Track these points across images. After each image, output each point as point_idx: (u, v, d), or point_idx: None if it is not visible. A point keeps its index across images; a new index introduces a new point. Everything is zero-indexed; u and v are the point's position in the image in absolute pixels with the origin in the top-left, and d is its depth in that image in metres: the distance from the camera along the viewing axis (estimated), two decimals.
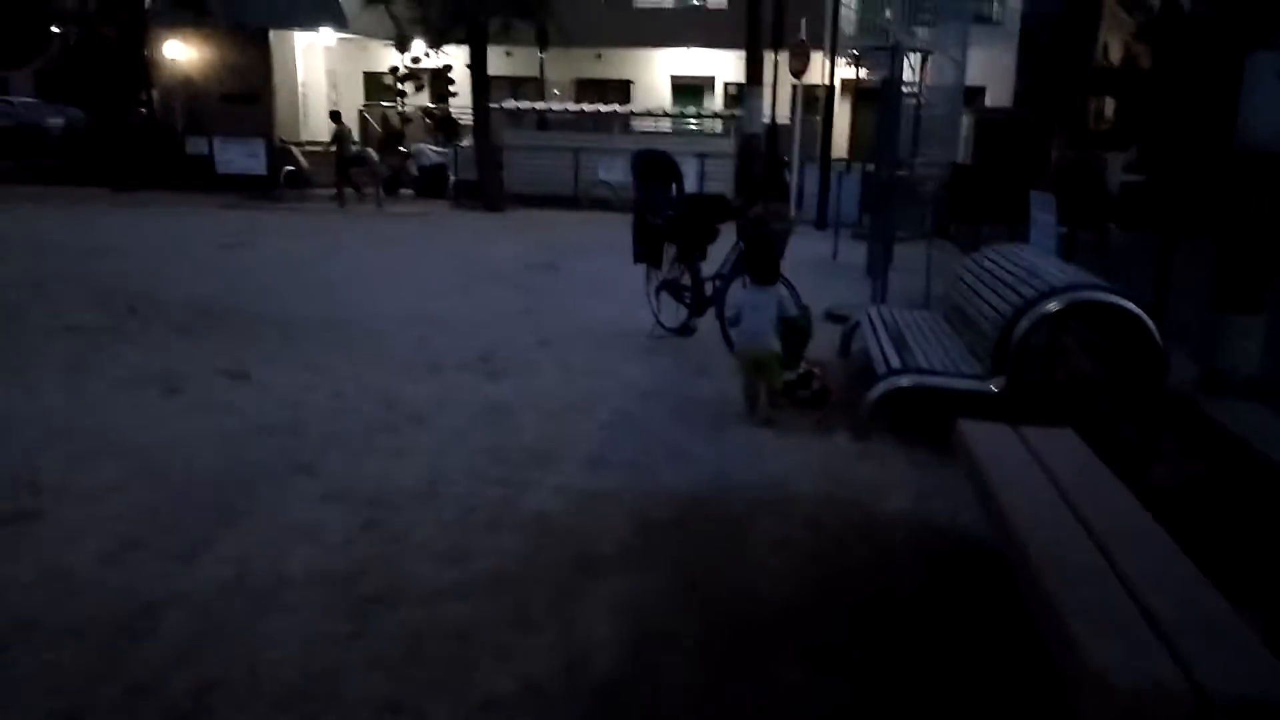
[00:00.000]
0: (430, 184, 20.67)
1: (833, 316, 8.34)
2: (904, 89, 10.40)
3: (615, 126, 21.14)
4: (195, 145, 19.04)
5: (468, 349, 6.93)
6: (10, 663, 2.83)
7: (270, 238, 12.71)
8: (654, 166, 7.49)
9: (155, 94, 23.17)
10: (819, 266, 11.14)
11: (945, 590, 3.59)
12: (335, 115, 20.16)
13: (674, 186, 7.52)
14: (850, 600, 3.48)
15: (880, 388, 5.04)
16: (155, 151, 19.64)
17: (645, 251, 7.36)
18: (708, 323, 7.00)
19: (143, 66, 22.87)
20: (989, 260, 6.14)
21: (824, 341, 7.20)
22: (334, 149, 19.16)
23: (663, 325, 7.52)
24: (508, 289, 9.53)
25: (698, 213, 6.91)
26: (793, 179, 17.23)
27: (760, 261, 5.97)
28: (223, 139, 18.83)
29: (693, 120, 24.04)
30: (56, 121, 29.14)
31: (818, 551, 3.84)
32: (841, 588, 3.56)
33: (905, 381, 5.03)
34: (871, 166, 18.77)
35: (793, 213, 16.09)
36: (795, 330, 5.93)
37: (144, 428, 4.98)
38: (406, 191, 22.09)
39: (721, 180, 19.08)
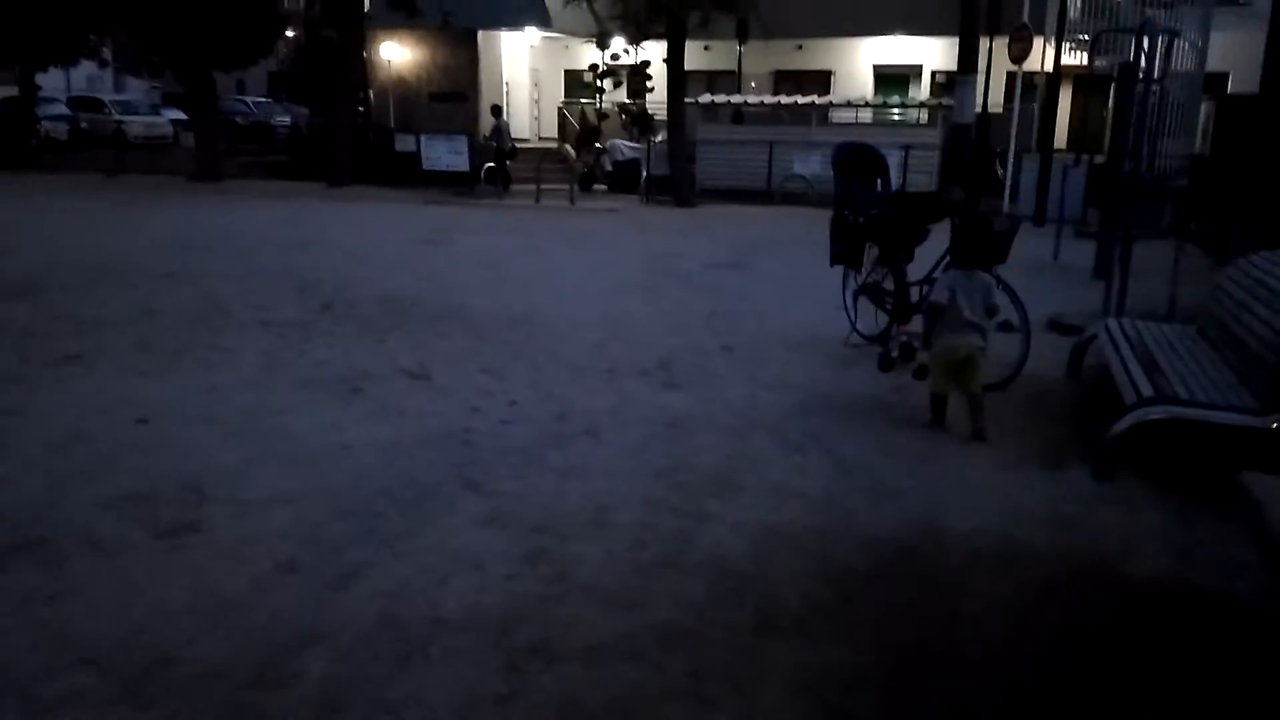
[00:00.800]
0: (624, 179, 20.64)
1: (1059, 326, 7.40)
2: (1142, 74, 9.24)
3: (812, 118, 20.35)
4: (404, 143, 19.76)
5: (647, 355, 6.55)
6: (141, 707, 2.64)
7: (465, 234, 12.87)
8: (858, 160, 6.85)
9: (371, 94, 24.39)
10: (1038, 268, 10.08)
11: (1233, 691, 2.84)
12: (496, 110, 20.48)
13: (879, 182, 6.85)
14: (1107, 697, 2.80)
15: (1129, 420, 4.24)
16: (367, 149, 20.56)
17: (844, 252, 6.73)
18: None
19: (360, 67, 24.12)
20: (1258, 268, 5.14)
21: (1048, 357, 6.36)
22: (493, 143, 19.48)
23: (860, 334, 6.87)
24: (693, 290, 9.11)
25: (907, 210, 6.22)
26: (1008, 172, 15.92)
27: (970, 247, 5.24)
28: (429, 137, 19.44)
29: (896, 110, 22.82)
30: (284, 120, 31.34)
31: (1058, 626, 3.17)
32: (1096, 679, 2.89)
33: (1160, 413, 4.20)
34: (1098, 159, 17.17)
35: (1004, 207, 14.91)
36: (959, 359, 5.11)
37: (319, 432, 4.87)
38: (600, 187, 22.22)
39: (926, 172, 17.99)
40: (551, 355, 6.53)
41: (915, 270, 6.35)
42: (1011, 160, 15.90)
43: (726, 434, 4.96)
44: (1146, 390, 4.30)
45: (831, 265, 6.89)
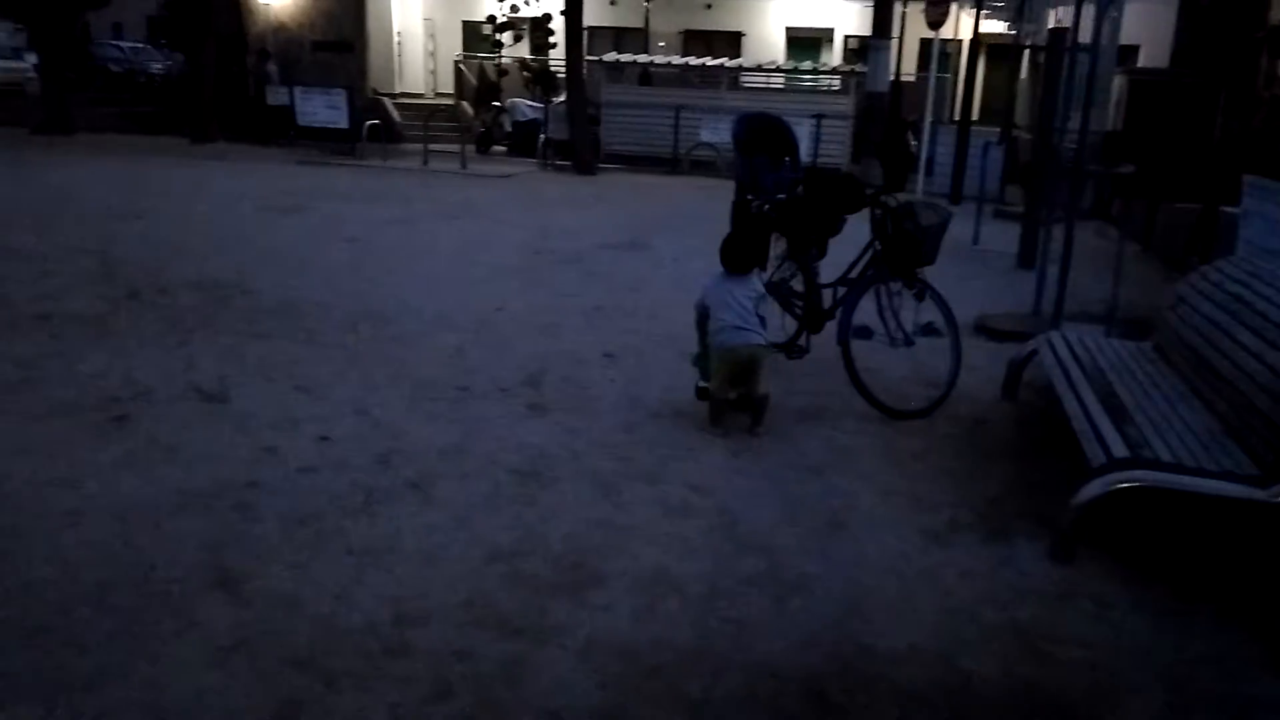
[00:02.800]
0: (524, 141, 19.31)
1: (988, 330, 6.53)
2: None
3: (722, 82, 19.28)
4: (276, 95, 18.00)
5: (514, 364, 5.43)
6: None
7: (331, 201, 11.45)
8: (762, 134, 5.80)
9: (249, 41, 22.36)
10: (958, 254, 9.23)
11: None
12: (264, 54, 18.45)
13: (787, 161, 5.82)
14: None
15: (1098, 487, 3.31)
16: (244, 102, 18.70)
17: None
18: (824, 343, 5.30)
19: (231, 9, 22.02)
20: (1232, 280, 4.29)
21: (980, 369, 5.46)
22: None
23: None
24: (580, 276, 7.98)
25: (820, 196, 5.18)
26: (921, 145, 15.14)
27: (901, 249, 4.75)
28: (304, 89, 17.70)
29: (808, 77, 21.91)
30: (158, 68, 28.78)
31: None
32: None
33: (1138, 480, 3.29)
34: (1017, 133, 16.54)
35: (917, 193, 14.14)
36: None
37: (43, 490, 3.63)
38: (499, 148, 20.86)
39: (838, 142, 17.13)
40: (394, 365, 5.35)
41: (829, 269, 5.36)
42: (927, 132, 15.13)
43: (594, 486, 3.89)
44: (1118, 448, 3.37)
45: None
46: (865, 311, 5.03)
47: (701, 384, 4.70)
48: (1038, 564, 3.40)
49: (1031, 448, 4.57)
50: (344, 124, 17.29)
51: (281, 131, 17.62)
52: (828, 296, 5.32)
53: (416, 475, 3.91)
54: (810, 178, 5.29)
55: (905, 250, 4.87)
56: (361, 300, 6.74)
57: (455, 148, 16.25)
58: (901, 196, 4.95)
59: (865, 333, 5.15)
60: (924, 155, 14.91)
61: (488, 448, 4.22)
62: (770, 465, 4.19)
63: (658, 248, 9.44)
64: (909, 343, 4.98)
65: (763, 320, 4.65)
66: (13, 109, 20.80)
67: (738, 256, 4.71)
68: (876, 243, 4.97)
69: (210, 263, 7.68)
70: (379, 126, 17.35)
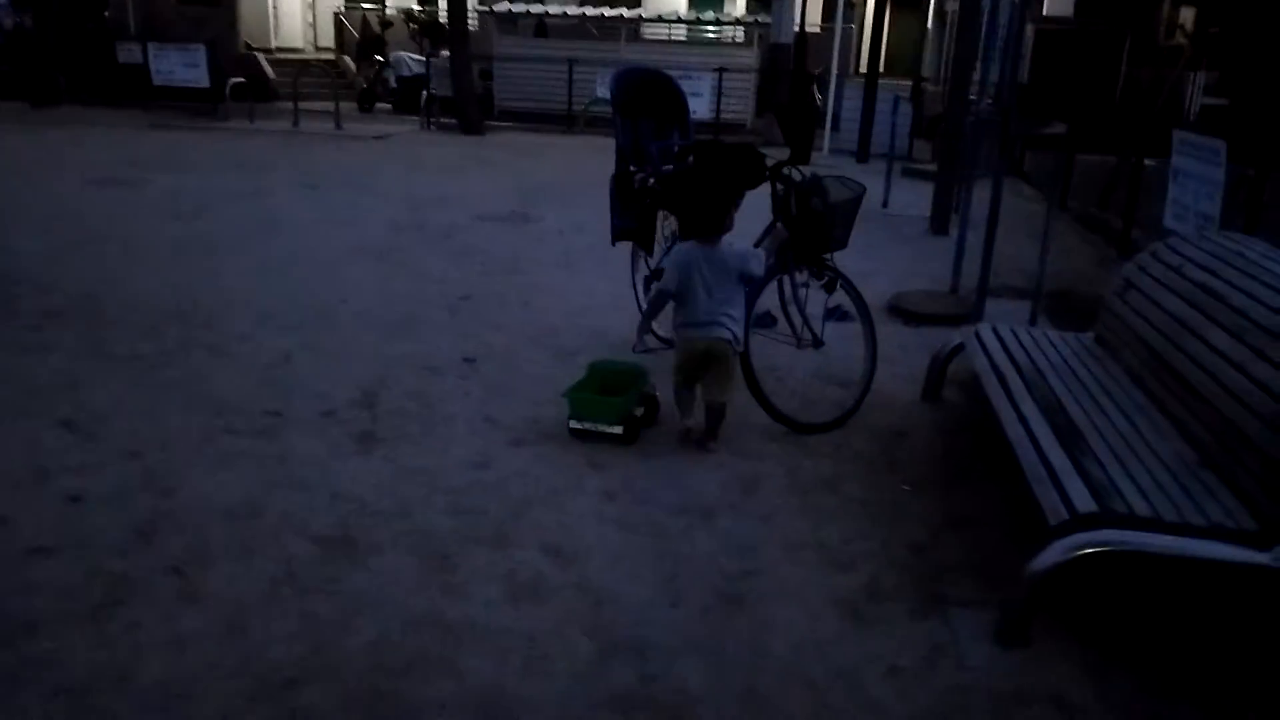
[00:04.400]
0: (408, 98, 18.00)
1: (904, 313, 5.82)
2: None
3: (622, 34, 18.25)
4: (128, 53, 16.31)
5: (349, 377, 4.49)
6: None
7: (177, 171, 10.15)
8: (647, 94, 4.91)
9: None
10: (866, 219, 8.48)
11: None
12: None
13: (676, 128, 4.95)
14: None
15: (1058, 553, 2.57)
16: (102, 61, 16.87)
17: (630, 225, 4.82)
18: None
19: None
20: (1198, 265, 3.61)
21: (896, 362, 4.75)
22: None
23: (656, 335, 5.02)
24: (449, 256, 7.02)
25: (711, 169, 4.32)
26: (828, 99, 14.44)
27: (808, 230, 4.02)
28: (158, 46, 16.07)
29: (711, 29, 20.99)
30: (7, 24, 26.23)
31: None
32: None
33: (1111, 544, 2.56)
34: (926, 86, 15.94)
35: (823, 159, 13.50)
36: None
37: None
38: (384, 106, 19.52)
39: (742, 98, 16.33)
40: (195, 384, 4.36)
41: None
42: (833, 86, 14.41)
43: (422, 558, 3.01)
44: (1081, 498, 2.63)
45: (614, 242, 4.97)
46: (766, 305, 4.24)
47: (574, 424, 3.84)
48: (980, 648, 2.66)
49: (960, 467, 3.85)
50: (204, 83, 15.75)
51: (134, 93, 15.98)
52: None
53: (183, 553, 2.97)
54: (701, 147, 4.42)
55: (812, 233, 4.08)
56: (180, 294, 5.68)
57: (329, 107, 14.91)
58: (808, 169, 4.13)
59: (768, 320, 4.36)
60: (830, 110, 14.23)
61: (289, 503, 3.30)
62: (651, 509, 3.37)
63: (543, 219, 8.51)
64: (818, 344, 4.20)
65: (738, 303, 3.84)
66: None
67: (705, 215, 3.81)
68: (779, 224, 4.16)
69: (5, 252, 6.48)
70: (244, 85, 15.83)
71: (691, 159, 4.46)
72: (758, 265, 3.88)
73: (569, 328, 5.39)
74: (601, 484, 3.53)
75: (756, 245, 4.28)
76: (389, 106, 19.38)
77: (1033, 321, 5.81)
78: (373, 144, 13.37)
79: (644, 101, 4.87)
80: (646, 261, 4.96)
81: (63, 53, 16.58)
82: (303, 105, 14.89)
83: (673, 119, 4.96)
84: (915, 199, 9.55)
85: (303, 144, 13.00)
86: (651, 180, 4.64)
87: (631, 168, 4.79)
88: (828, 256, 4.17)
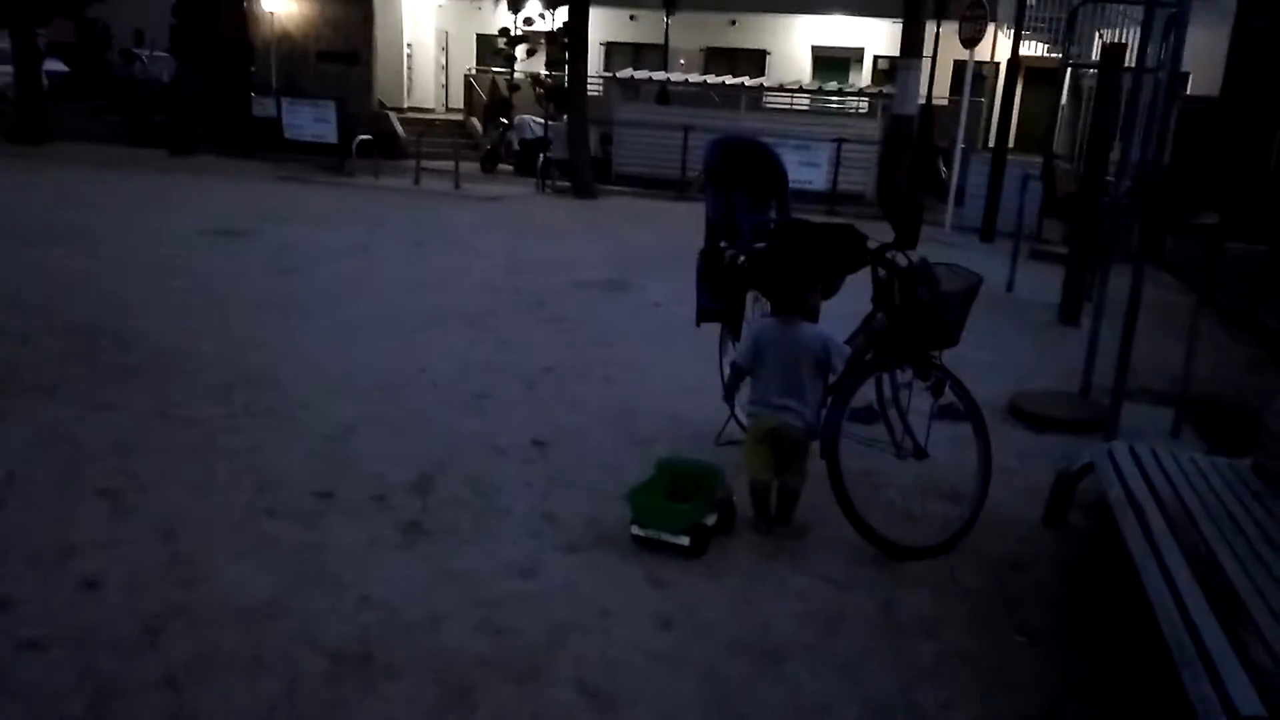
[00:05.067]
0: (529, 160, 18.22)
1: (1025, 416, 5.22)
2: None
3: (742, 102, 18.10)
4: (262, 107, 17.01)
5: (409, 456, 4.20)
6: None
7: (292, 223, 10.32)
8: (741, 164, 4.54)
9: (254, 52, 21.46)
10: (989, 303, 7.90)
11: None
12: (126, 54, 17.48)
13: (773, 201, 4.57)
14: None
15: None
16: (223, 112, 17.71)
17: (718, 306, 4.44)
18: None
19: (241, 20, 21.18)
20: None
21: (1014, 475, 4.19)
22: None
23: (741, 423, 4.60)
24: (541, 323, 6.76)
25: (806, 248, 3.91)
26: (953, 173, 13.83)
27: (914, 325, 3.60)
28: (291, 101, 16.73)
29: (834, 98, 20.66)
30: (166, 75, 27.98)
31: None
32: None
33: None
34: (1058, 163, 15.16)
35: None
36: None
37: None
38: (506, 167, 19.84)
39: (863, 169, 15.87)
40: (247, 454, 4.14)
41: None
42: (958, 160, 13.81)
43: (441, 690, 2.63)
44: (1246, 700, 2.06)
45: (699, 323, 4.58)
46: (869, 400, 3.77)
47: (636, 531, 3.44)
48: None
49: (1086, 615, 3.26)
50: (332, 138, 16.25)
51: (267, 145, 16.63)
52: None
53: (186, 659, 2.67)
54: (794, 225, 4.01)
55: (918, 326, 3.61)
56: (259, 354, 5.56)
57: (450, 166, 15.14)
58: (916, 254, 3.67)
59: (868, 416, 3.89)
60: (954, 184, 13.63)
61: (313, 605, 2.98)
62: (712, 644, 2.91)
63: (643, 288, 8.22)
64: (920, 454, 3.69)
65: (811, 391, 3.59)
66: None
67: (787, 288, 3.63)
68: (879, 315, 3.70)
69: (102, 300, 6.54)
70: (371, 142, 16.26)
71: (782, 237, 4.06)
72: (839, 356, 3.57)
73: (649, 411, 5.01)
74: (659, 606, 3.10)
75: (853, 336, 3.84)
76: (511, 168, 19.69)
77: (1175, 433, 5.14)
78: (487, 204, 13.44)
79: (739, 172, 4.51)
80: (734, 346, 4.55)
81: (205, 105, 17.44)
82: (428, 164, 15.17)
83: (770, 192, 4.58)
84: (1044, 284, 8.86)
85: (420, 202, 13.15)
86: (741, 258, 4.26)
87: (722, 244, 4.42)
88: (935, 354, 3.69)
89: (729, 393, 4.16)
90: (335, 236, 9.73)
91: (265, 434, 4.39)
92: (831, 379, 4.31)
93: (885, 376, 3.63)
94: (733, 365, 3.93)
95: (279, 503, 3.69)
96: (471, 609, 3.02)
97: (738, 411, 4.61)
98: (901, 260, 3.66)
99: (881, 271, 3.68)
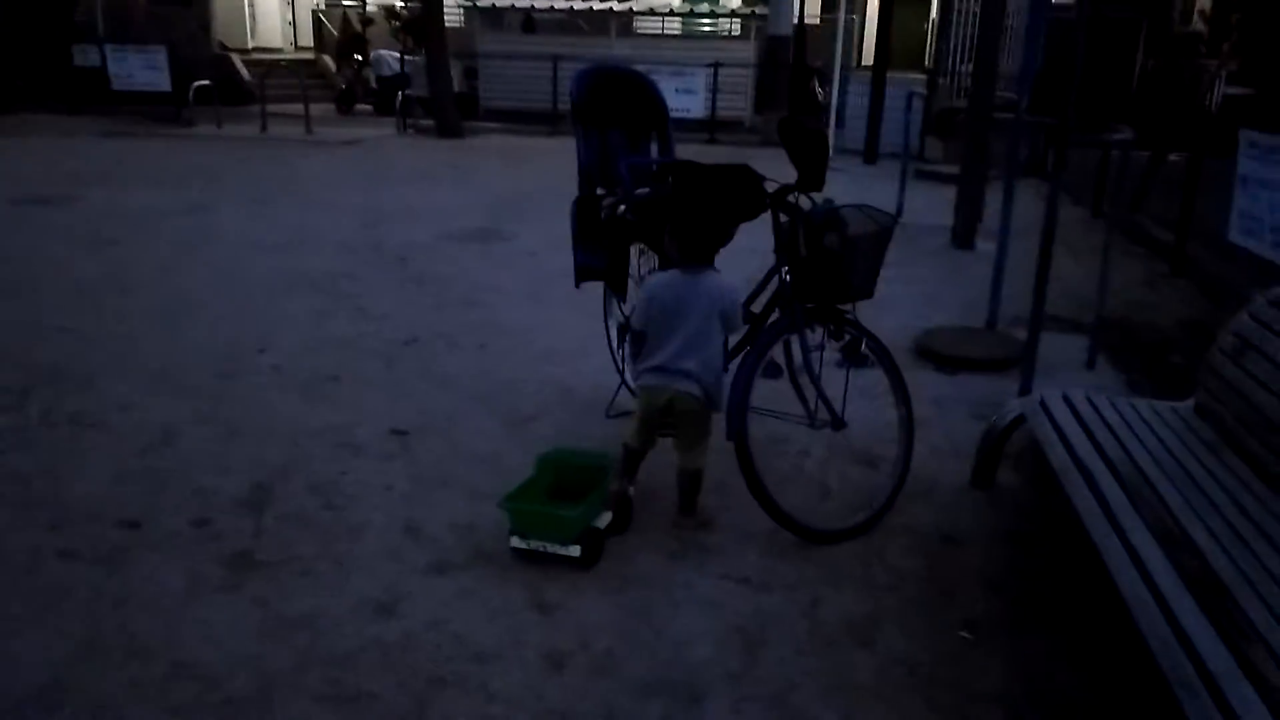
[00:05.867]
0: (388, 99, 17.08)
1: (936, 357, 4.85)
2: None
3: (613, 28, 17.30)
4: (84, 55, 15.32)
5: (240, 464, 3.53)
6: None
7: (117, 185, 9.19)
8: (616, 98, 3.93)
9: None
10: None
11: None
12: None
13: (653, 139, 3.99)
14: None
15: None
16: (42, 63, 15.91)
17: (597, 263, 3.86)
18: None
19: None
20: None
21: (933, 428, 3.81)
22: None
23: (634, 393, 4.08)
24: (404, 284, 6.07)
25: (698, 194, 3.35)
26: (831, 94, 13.46)
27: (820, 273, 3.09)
28: (115, 48, 15.10)
29: (706, 20, 19.98)
30: None
31: None
32: None
33: None
34: (942, 80, 14.92)
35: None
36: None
37: None
38: (364, 107, 18.61)
39: (739, 93, 15.38)
40: (44, 477, 3.40)
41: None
42: (836, 80, 13.43)
43: None
44: (1248, 707, 1.68)
45: (577, 284, 3.99)
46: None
47: (517, 543, 2.89)
48: None
49: (1037, 597, 2.88)
50: (165, 86, 14.79)
51: (93, 97, 15.03)
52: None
53: None
54: (681, 167, 3.44)
55: (827, 278, 3.12)
56: (61, 345, 4.73)
57: (304, 109, 13.94)
58: (820, 196, 3.16)
59: (772, 370, 3.40)
60: (834, 105, 13.26)
61: (104, 685, 2.34)
62: (615, 684, 2.41)
63: (516, 236, 7.56)
64: (838, 424, 3.23)
65: (711, 353, 3.08)
66: None
67: (695, 235, 3.09)
68: (784, 269, 3.19)
69: None
70: (211, 88, 14.83)
71: (670, 182, 3.49)
72: (740, 314, 3.13)
73: (530, 381, 4.43)
74: (548, 640, 2.57)
75: (752, 296, 3.34)
76: (370, 109, 18.50)
77: (1091, 364, 4.86)
78: (342, 150, 12.42)
79: (613, 107, 3.90)
80: (620, 306, 4.00)
81: (21, 56, 15.63)
82: (277, 108, 13.95)
83: (648, 127, 3.99)
84: (933, 206, 8.60)
85: (267, 151, 12.03)
86: (622, 207, 3.68)
87: (599, 191, 3.83)
88: (848, 309, 3.22)
89: (623, 361, 3.68)
90: (168, 197, 8.70)
91: (65, 450, 3.64)
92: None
93: (794, 339, 3.14)
94: (631, 332, 3.37)
95: (75, 541, 3.00)
96: (314, 670, 2.43)
97: (628, 377, 4.10)
98: (805, 204, 3.15)
99: (784, 217, 3.16)
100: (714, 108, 14.42)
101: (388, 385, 4.39)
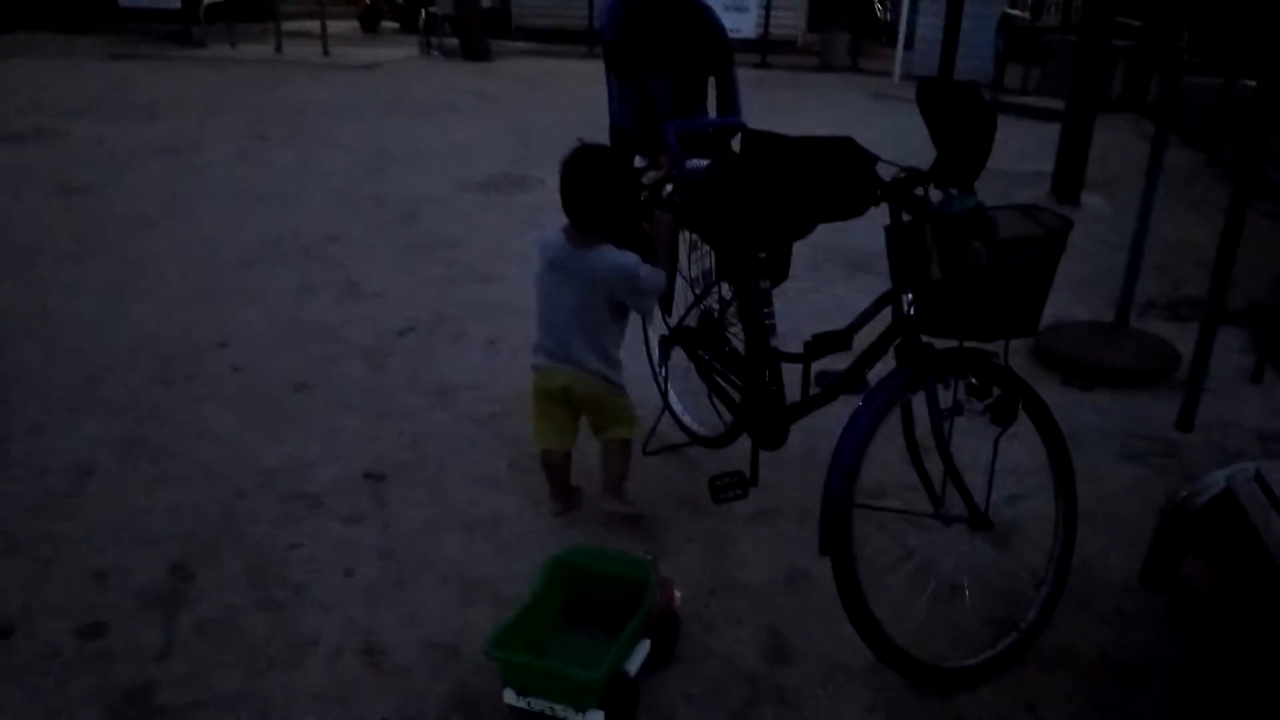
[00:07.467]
0: (414, 16, 15.98)
1: (1062, 365, 3.83)
2: None
3: None
4: None
5: (163, 524, 2.66)
6: None
7: (106, 118, 8.30)
8: (661, 33, 2.91)
9: None
10: None
11: None
12: None
13: (707, 88, 2.98)
14: None
15: None
16: None
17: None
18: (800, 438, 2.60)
19: None
20: None
21: (1085, 489, 2.81)
22: None
23: (678, 420, 3.14)
24: (407, 251, 5.15)
25: (772, 173, 2.35)
26: (900, 14, 12.11)
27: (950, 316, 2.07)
28: None
29: None
30: None
31: None
32: None
33: None
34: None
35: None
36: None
37: None
38: (391, 24, 17.57)
39: (792, 8, 14.09)
40: None
41: (791, 303, 2.63)
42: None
43: None
44: None
45: None
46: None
47: (512, 701, 1.99)
48: None
49: None
50: (175, 3, 13.76)
51: (98, 16, 14.09)
52: (789, 371, 2.57)
53: None
54: (753, 139, 2.41)
55: (969, 306, 2.11)
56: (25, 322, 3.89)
57: (318, 29, 12.89)
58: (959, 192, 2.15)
59: (840, 383, 2.44)
60: (904, 25, 11.94)
61: None
62: None
63: (544, 184, 6.57)
64: (981, 523, 2.24)
65: (619, 336, 2.63)
66: None
67: (584, 195, 2.48)
68: (906, 295, 2.18)
69: None
70: (223, 4, 13.80)
71: (736, 155, 2.49)
72: (651, 292, 2.55)
73: None
74: None
75: (855, 329, 2.36)
76: (397, 25, 17.47)
77: (1258, 375, 3.83)
78: (358, 75, 11.38)
79: (658, 44, 2.89)
80: (664, 317, 3.03)
81: None
82: (296, 25, 12.94)
83: (703, 71, 2.98)
84: (1024, 147, 7.45)
85: (278, 76, 11.04)
86: (669, 188, 2.71)
87: (637, 160, 2.85)
88: (994, 350, 2.23)
89: (665, 380, 2.84)
90: (158, 132, 7.79)
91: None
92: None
93: (920, 397, 2.16)
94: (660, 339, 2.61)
95: None
96: None
97: (671, 400, 3.17)
98: (936, 197, 2.14)
99: (906, 217, 2.16)
100: (766, 26, 13.13)
101: (369, 399, 3.49)
